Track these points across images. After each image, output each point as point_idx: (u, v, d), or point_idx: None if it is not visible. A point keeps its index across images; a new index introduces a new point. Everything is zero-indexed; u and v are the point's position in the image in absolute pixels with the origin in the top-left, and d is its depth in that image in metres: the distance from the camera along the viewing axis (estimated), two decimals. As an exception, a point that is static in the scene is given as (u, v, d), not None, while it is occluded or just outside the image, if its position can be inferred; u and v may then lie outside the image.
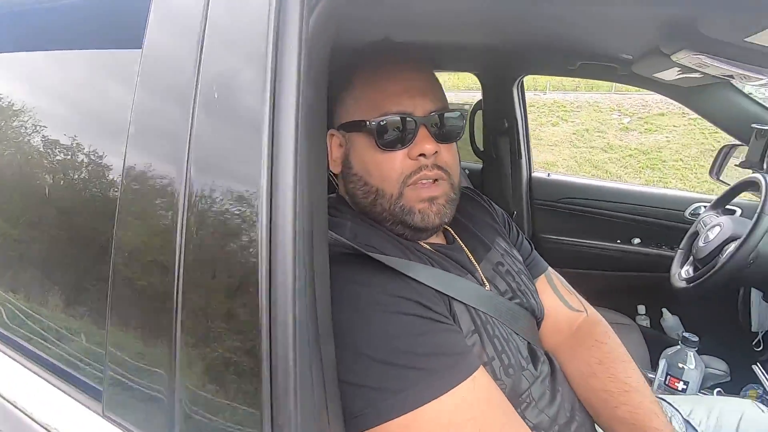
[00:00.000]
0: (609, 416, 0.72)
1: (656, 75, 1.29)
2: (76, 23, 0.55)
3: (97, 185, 0.49)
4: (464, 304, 0.66)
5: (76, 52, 0.54)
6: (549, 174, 1.88)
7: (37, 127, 0.56)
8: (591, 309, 0.88)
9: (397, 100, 0.68)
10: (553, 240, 1.82)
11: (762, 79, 0.87)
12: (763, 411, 0.88)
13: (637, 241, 1.74)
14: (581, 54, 1.35)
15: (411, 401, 0.53)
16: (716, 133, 6.81)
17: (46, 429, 0.47)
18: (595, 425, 0.77)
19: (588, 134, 7.56)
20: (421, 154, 0.67)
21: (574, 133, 7.63)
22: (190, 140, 0.42)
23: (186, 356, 0.41)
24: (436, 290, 0.64)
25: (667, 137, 7.24)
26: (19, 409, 0.49)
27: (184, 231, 0.41)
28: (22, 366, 0.55)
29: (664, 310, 1.69)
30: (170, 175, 0.43)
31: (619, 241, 1.76)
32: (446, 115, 0.69)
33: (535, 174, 1.84)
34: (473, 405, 0.56)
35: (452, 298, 0.65)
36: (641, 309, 1.73)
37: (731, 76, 0.97)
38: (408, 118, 0.67)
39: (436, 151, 0.68)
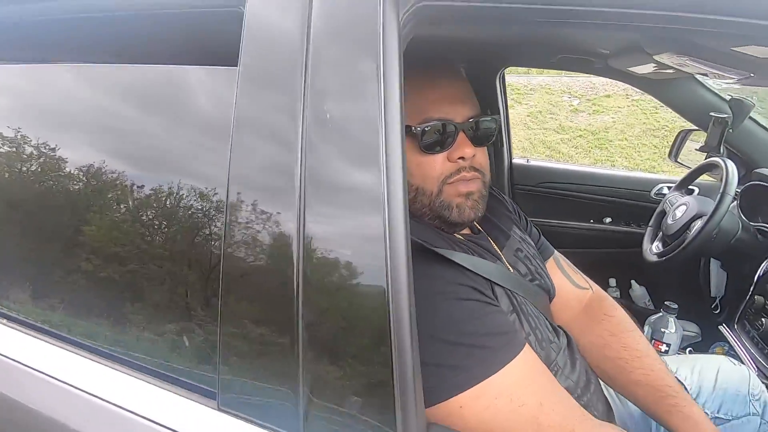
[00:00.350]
0: (625, 380, 0.83)
1: (631, 69, 1.40)
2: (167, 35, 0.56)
3: (205, 198, 0.51)
4: (502, 287, 0.74)
5: (168, 67, 0.55)
6: (528, 160, 2.01)
7: (132, 142, 0.57)
8: (596, 286, 0.98)
9: (439, 107, 0.73)
10: (532, 222, 1.94)
11: (733, 78, 0.98)
12: (735, 364, 1.03)
13: (608, 220, 1.89)
14: (563, 48, 1.43)
15: (479, 375, 0.60)
16: (656, 113, 7.26)
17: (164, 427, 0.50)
18: (601, 384, 0.88)
19: (541, 116, 7.82)
20: (460, 157, 0.74)
21: (528, 115, 7.87)
22: (302, 152, 0.46)
23: (310, 354, 0.46)
24: (481, 276, 0.71)
25: (612, 118, 7.61)
26: (139, 415, 0.52)
27: (302, 238, 0.45)
28: (133, 377, 0.57)
29: (632, 281, 1.86)
30: (285, 180, 0.46)
31: (592, 221, 1.91)
32: (482, 119, 0.76)
33: (515, 160, 1.95)
34: (527, 375, 0.64)
35: (493, 282, 0.73)
36: (612, 282, 1.89)
37: (706, 74, 1.09)
38: (449, 124, 0.73)
39: (474, 154, 0.74)
